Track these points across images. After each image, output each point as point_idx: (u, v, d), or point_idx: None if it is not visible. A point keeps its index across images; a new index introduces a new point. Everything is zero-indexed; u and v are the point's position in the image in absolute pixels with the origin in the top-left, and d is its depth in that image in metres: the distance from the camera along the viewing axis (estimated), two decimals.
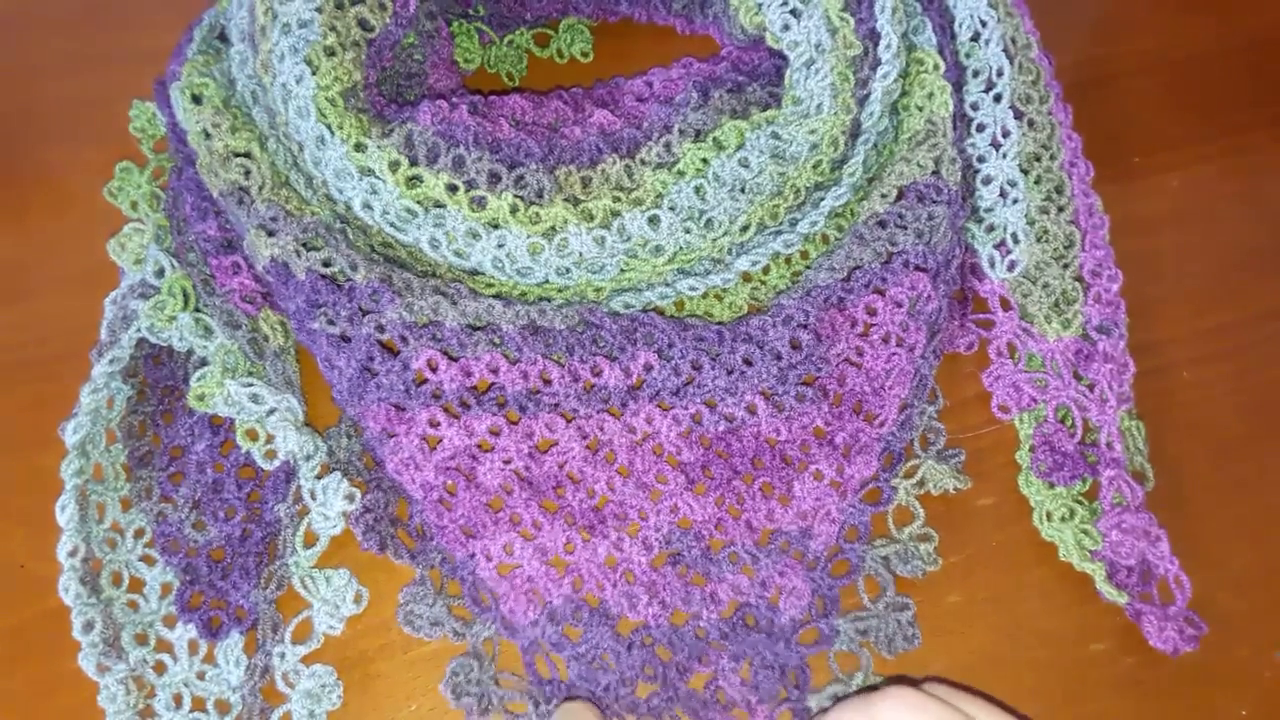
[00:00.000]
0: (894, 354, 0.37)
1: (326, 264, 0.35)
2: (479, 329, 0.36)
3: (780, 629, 0.35)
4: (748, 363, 0.36)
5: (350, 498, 0.36)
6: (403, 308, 0.35)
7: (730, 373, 0.36)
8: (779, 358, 0.36)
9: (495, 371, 0.35)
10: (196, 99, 0.39)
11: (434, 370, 0.35)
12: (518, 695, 0.34)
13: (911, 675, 0.35)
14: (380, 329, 0.35)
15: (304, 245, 0.36)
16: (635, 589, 0.35)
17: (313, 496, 0.36)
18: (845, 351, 0.37)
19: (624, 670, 0.34)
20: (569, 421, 0.36)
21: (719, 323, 0.39)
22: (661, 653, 0.35)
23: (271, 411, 0.36)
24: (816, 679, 0.35)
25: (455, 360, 0.35)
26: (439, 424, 0.35)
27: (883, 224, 0.38)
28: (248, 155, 0.38)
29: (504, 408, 0.36)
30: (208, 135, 0.38)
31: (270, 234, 0.36)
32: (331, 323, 0.35)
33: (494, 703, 0.34)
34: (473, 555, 0.35)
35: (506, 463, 0.36)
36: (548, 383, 0.36)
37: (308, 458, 0.36)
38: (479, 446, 0.36)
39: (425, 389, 0.35)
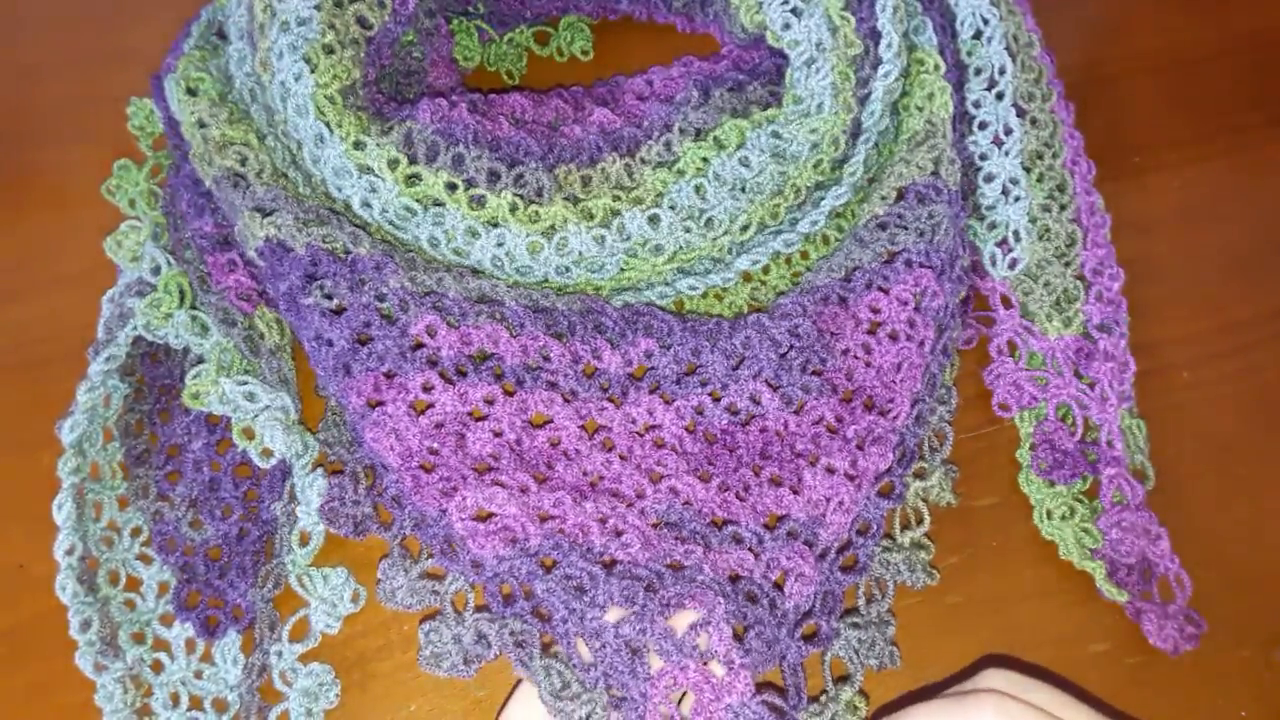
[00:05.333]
0: (903, 348, 0.36)
1: (327, 240, 0.35)
2: (481, 301, 0.35)
3: (783, 614, 0.32)
4: (746, 347, 0.36)
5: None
6: (405, 279, 0.34)
7: (729, 357, 0.36)
8: (777, 344, 0.36)
9: (495, 342, 0.34)
10: (191, 91, 0.39)
11: (431, 336, 0.34)
12: (484, 623, 0.32)
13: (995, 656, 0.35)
14: (380, 297, 0.34)
15: (304, 222, 0.35)
16: (627, 536, 0.32)
17: (304, 495, 0.36)
18: (851, 348, 0.37)
19: (598, 594, 0.31)
20: (568, 402, 0.35)
21: (718, 315, 0.39)
22: (646, 586, 0.31)
23: (265, 409, 0.36)
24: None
25: (455, 328, 0.34)
26: (432, 388, 0.34)
27: (883, 226, 0.38)
28: (245, 144, 0.38)
29: (500, 379, 0.35)
30: (202, 124, 0.38)
31: (268, 214, 0.35)
32: (328, 296, 0.34)
33: (474, 653, 0.32)
34: (444, 511, 0.33)
35: (497, 434, 0.34)
36: (547, 359, 0.35)
37: (298, 456, 0.36)
38: (470, 415, 0.34)
39: (421, 354, 0.34)
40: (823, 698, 0.33)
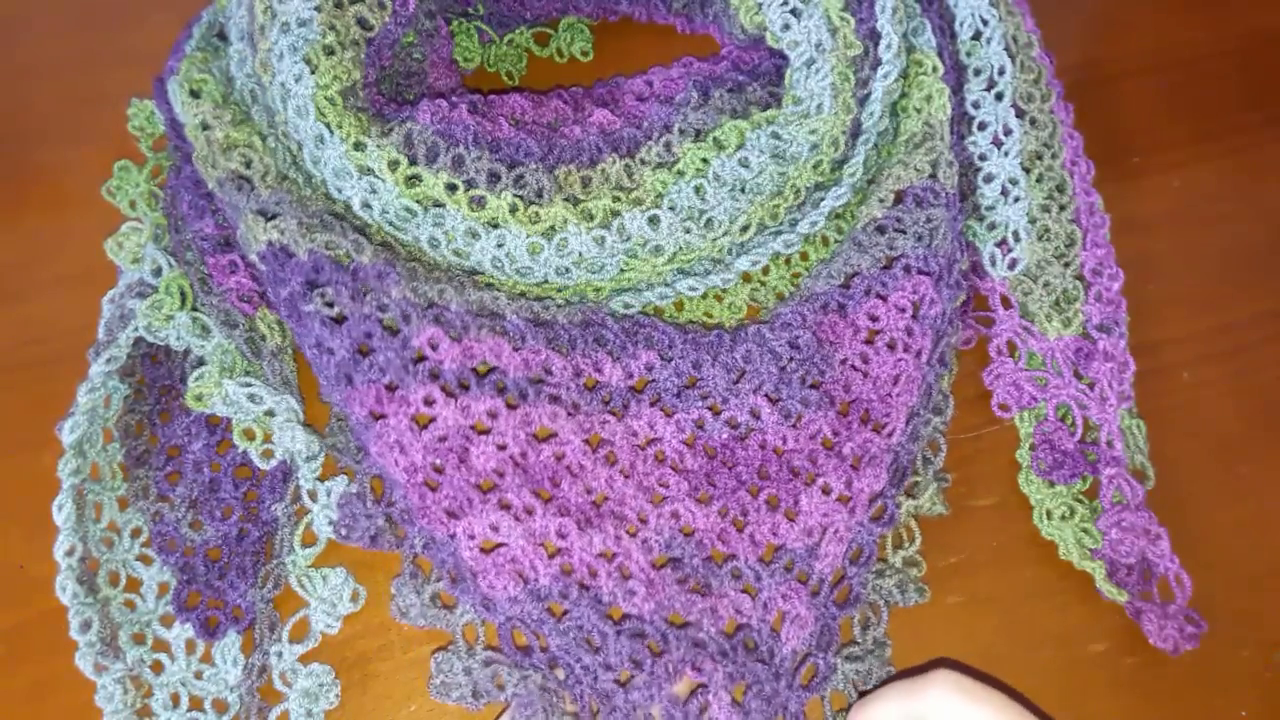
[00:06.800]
0: (900, 360, 0.37)
1: (330, 247, 0.35)
2: (483, 315, 0.35)
3: (781, 661, 0.33)
4: (747, 360, 0.36)
5: None
6: (407, 289, 0.34)
7: (730, 371, 0.36)
8: (778, 357, 0.36)
9: (498, 355, 0.34)
10: (194, 93, 0.39)
11: (434, 349, 0.34)
12: (499, 671, 0.33)
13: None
14: (382, 308, 0.34)
15: (308, 228, 0.35)
16: (632, 583, 0.34)
17: (312, 497, 0.36)
18: (850, 358, 0.37)
19: (609, 654, 0.32)
20: (570, 416, 0.35)
21: (718, 326, 0.39)
22: (652, 646, 0.33)
23: (269, 412, 0.36)
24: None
25: (457, 341, 0.34)
26: (434, 402, 0.33)
27: (881, 229, 0.38)
28: (249, 146, 0.38)
29: (503, 393, 0.35)
30: (206, 126, 0.38)
31: (271, 218, 0.35)
32: (329, 304, 0.34)
33: (484, 689, 0.33)
34: (453, 535, 0.33)
35: (501, 448, 0.34)
36: (549, 373, 0.35)
37: (310, 458, 0.36)
38: (474, 428, 0.34)
39: (423, 367, 0.33)
40: None
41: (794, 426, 0.36)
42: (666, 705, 0.32)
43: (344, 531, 0.35)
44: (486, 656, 0.33)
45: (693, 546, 0.35)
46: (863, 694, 0.34)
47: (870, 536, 0.35)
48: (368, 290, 0.34)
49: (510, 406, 0.34)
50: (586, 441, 0.35)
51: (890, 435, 0.36)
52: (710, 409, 0.36)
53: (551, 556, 0.34)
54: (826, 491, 0.35)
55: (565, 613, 0.33)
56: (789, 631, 0.34)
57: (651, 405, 0.36)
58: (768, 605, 0.34)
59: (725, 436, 0.36)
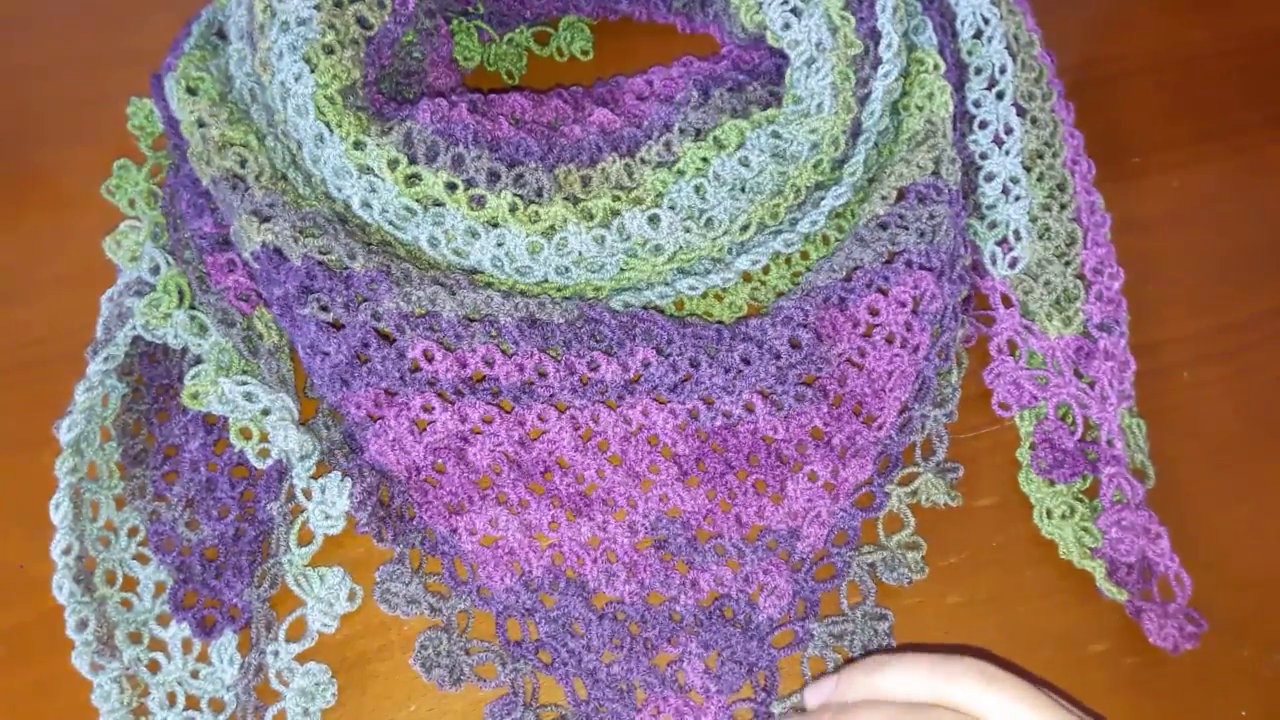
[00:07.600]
0: (896, 355, 0.37)
1: (323, 251, 0.35)
2: (476, 321, 0.36)
3: (756, 627, 0.35)
4: (746, 361, 0.36)
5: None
6: (400, 297, 0.35)
7: (728, 371, 0.36)
8: (778, 357, 0.36)
9: (490, 364, 0.35)
10: (191, 90, 0.39)
11: (429, 360, 0.35)
12: (488, 659, 0.35)
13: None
14: (376, 318, 0.35)
15: (301, 232, 0.35)
16: (615, 566, 0.36)
17: (306, 495, 0.36)
18: (847, 351, 0.37)
19: (592, 638, 0.35)
20: (562, 412, 0.36)
21: (719, 322, 0.39)
22: (632, 628, 0.35)
23: (265, 411, 0.36)
24: (785, 684, 0.35)
25: (451, 351, 0.35)
26: (432, 409, 0.35)
27: (883, 226, 0.38)
28: (244, 146, 0.38)
29: (498, 397, 0.36)
30: (202, 124, 0.38)
31: (265, 219, 0.36)
32: (324, 309, 0.35)
33: (465, 673, 0.34)
34: (454, 530, 0.36)
35: (496, 446, 0.36)
36: (543, 376, 0.36)
37: (305, 456, 0.36)
38: (471, 431, 0.36)
39: (420, 376, 0.35)
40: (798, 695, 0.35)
41: (786, 418, 0.36)
42: (644, 675, 0.35)
43: (370, 525, 0.36)
44: (472, 644, 0.35)
45: (678, 527, 0.36)
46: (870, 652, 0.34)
47: (854, 521, 0.37)
48: (363, 300, 0.35)
49: (505, 410, 0.36)
50: (579, 435, 0.37)
51: (880, 428, 0.37)
52: (704, 400, 0.37)
53: (544, 549, 0.36)
54: (813, 479, 0.36)
55: (554, 602, 0.36)
56: (766, 601, 0.36)
57: (646, 396, 0.37)
58: (749, 578, 0.36)
59: (718, 424, 0.37)
